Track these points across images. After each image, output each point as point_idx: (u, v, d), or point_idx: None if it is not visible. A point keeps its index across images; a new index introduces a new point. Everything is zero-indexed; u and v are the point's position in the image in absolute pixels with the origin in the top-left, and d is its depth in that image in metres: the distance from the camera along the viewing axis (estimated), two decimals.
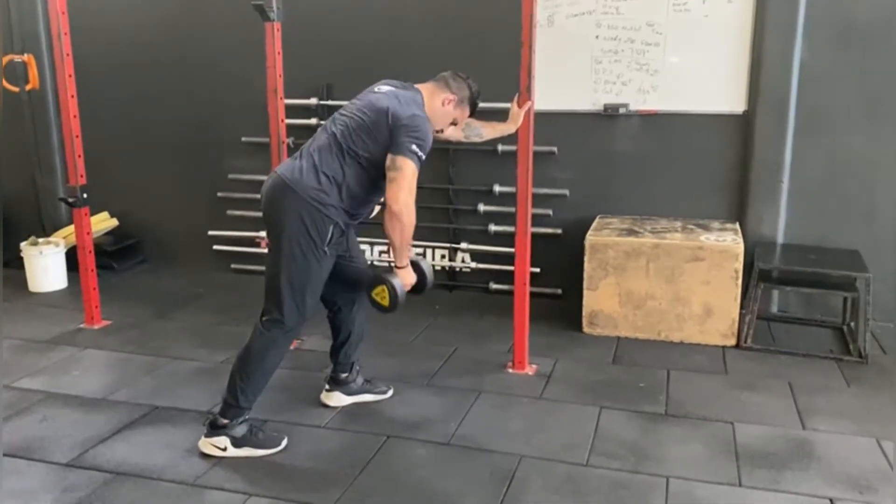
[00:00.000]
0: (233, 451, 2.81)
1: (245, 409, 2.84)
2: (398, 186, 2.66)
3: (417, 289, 2.93)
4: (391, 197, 2.67)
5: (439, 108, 2.92)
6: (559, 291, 4.60)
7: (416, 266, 2.90)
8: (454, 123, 3.04)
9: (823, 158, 4.08)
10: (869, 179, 4.05)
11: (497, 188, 4.58)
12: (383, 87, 2.89)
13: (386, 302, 2.81)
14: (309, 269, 2.75)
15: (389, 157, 2.69)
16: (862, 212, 4.09)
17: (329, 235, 2.75)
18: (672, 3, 4.13)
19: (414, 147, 2.68)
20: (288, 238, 2.71)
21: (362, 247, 4.81)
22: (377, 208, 3.00)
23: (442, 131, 3.05)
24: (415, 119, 2.73)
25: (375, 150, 2.73)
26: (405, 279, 2.83)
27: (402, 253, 2.79)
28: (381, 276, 2.83)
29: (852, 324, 3.87)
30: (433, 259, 4.82)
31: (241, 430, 2.83)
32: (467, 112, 3.02)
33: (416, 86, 2.93)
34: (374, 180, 2.78)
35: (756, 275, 3.83)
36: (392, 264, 2.84)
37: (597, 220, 4.32)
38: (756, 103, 4.09)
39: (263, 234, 4.80)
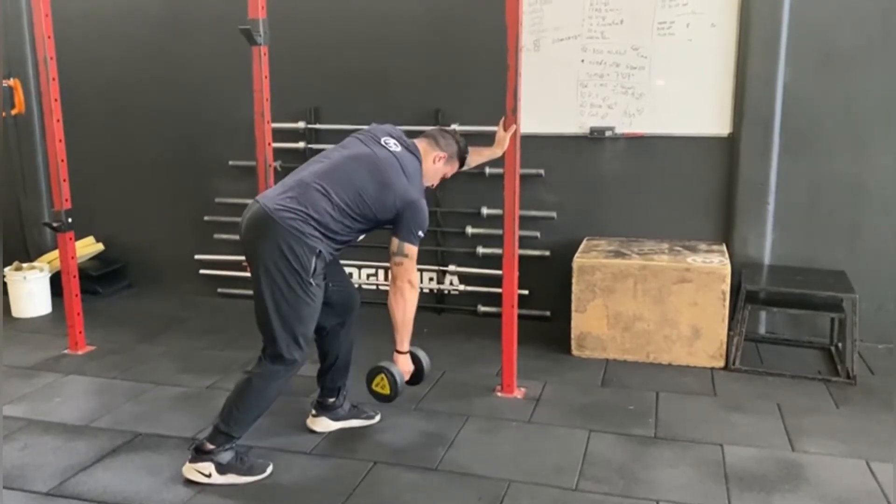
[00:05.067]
0: (217, 478, 2.76)
1: (235, 438, 2.80)
2: (405, 269, 2.81)
3: (414, 379, 3.00)
4: (398, 276, 2.81)
5: (431, 167, 3.01)
6: (547, 314, 4.59)
7: (413, 356, 2.97)
8: (444, 178, 3.12)
9: (808, 180, 4.12)
10: (854, 200, 4.08)
11: (485, 210, 4.58)
12: (390, 143, 2.91)
13: (387, 391, 2.87)
14: (298, 302, 2.71)
15: (396, 241, 2.81)
16: (847, 232, 4.12)
17: (313, 267, 2.70)
18: (656, 27, 4.18)
19: (420, 233, 2.83)
20: (268, 270, 2.67)
21: (350, 270, 4.81)
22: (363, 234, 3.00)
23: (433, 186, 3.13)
24: (421, 202, 2.83)
25: (372, 213, 2.79)
26: (404, 366, 2.91)
27: (403, 335, 2.89)
28: (379, 366, 2.88)
29: (840, 344, 3.88)
30: (421, 282, 4.81)
31: (226, 457, 2.78)
32: (456, 166, 3.13)
33: (414, 141, 2.99)
34: (361, 229, 2.85)
35: (743, 296, 3.83)
36: (393, 351, 2.93)
37: (584, 241, 4.33)
38: (741, 125, 4.13)
39: None
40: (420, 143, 3.01)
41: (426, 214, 2.86)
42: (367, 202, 2.77)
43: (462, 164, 3.17)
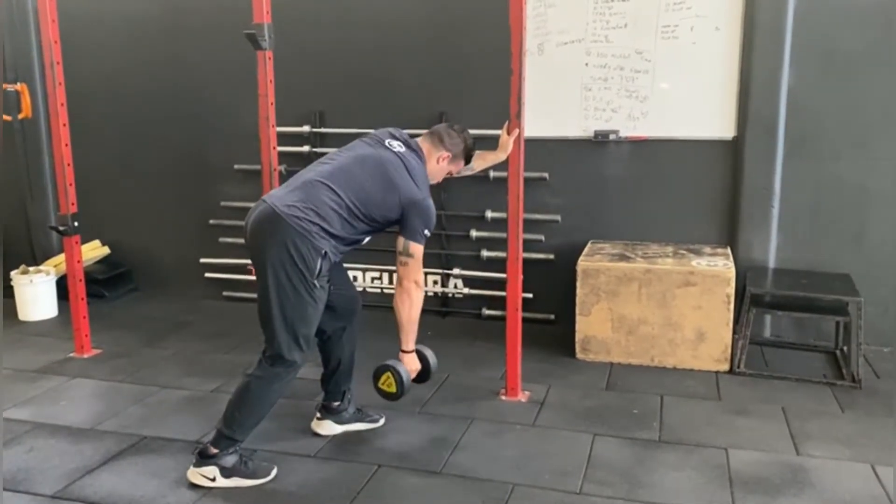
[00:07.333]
0: (222, 482, 2.77)
1: (238, 441, 2.81)
2: (411, 269, 2.82)
3: (421, 377, 3.00)
4: (404, 276, 2.82)
5: (435, 166, 3.02)
6: (552, 317, 4.59)
7: (419, 354, 2.98)
8: (449, 175, 3.14)
9: (813, 183, 4.11)
10: (858, 203, 4.07)
11: (489, 214, 4.59)
12: (394, 145, 2.92)
13: (393, 388, 2.88)
14: (301, 302, 2.71)
15: (402, 240, 2.81)
16: (852, 236, 4.11)
17: (318, 268, 2.70)
18: (660, 30, 4.18)
19: (426, 232, 2.83)
20: (274, 269, 2.67)
21: (355, 273, 4.82)
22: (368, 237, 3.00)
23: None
24: (426, 202, 2.83)
25: (379, 214, 2.80)
26: (410, 365, 2.91)
27: (408, 334, 2.89)
28: (385, 364, 2.89)
29: (845, 348, 3.87)
30: (425, 285, 4.81)
31: (230, 460, 2.79)
32: (461, 165, 3.13)
33: (418, 141, 3.00)
34: (367, 231, 2.85)
35: (748, 299, 3.82)
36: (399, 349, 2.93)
37: (588, 245, 4.33)
38: (745, 129, 4.12)
39: None
40: (424, 143, 3.01)
41: (433, 214, 2.86)
42: (373, 203, 2.78)
43: (468, 161, 3.16)
